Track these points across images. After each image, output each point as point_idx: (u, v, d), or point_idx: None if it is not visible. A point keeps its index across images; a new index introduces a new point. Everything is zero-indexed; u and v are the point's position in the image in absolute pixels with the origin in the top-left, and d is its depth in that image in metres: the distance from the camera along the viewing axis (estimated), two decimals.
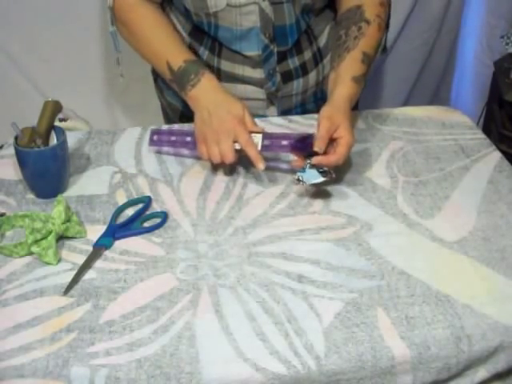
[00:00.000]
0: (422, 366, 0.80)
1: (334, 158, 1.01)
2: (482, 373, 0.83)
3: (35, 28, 1.84)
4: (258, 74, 1.21)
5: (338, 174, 1.09)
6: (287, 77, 1.23)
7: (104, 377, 0.76)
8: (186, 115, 1.30)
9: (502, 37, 1.84)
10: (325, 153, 1.01)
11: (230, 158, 1.04)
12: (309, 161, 1.01)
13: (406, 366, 0.80)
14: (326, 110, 1.05)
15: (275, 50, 1.19)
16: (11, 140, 1.04)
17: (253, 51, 1.18)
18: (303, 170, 1.01)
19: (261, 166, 1.03)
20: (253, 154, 1.04)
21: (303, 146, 1.03)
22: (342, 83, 1.09)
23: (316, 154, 1.01)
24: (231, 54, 1.20)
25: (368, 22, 1.14)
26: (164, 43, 1.16)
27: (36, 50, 1.88)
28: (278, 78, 1.22)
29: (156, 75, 1.36)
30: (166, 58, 1.14)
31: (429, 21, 2.01)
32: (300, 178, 1.01)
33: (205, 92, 1.11)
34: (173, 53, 1.15)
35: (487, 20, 1.99)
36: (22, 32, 1.85)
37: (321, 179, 1.01)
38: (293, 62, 1.23)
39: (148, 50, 1.19)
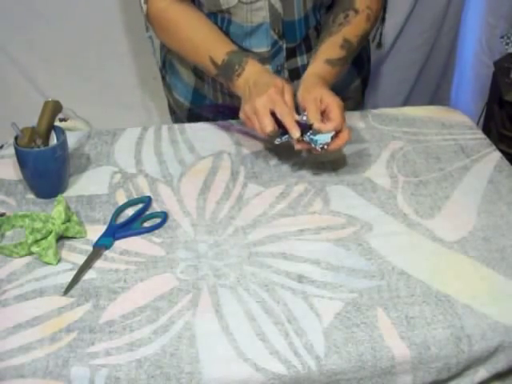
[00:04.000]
0: (422, 366, 0.80)
1: (332, 124, 1.01)
2: (482, 373, 0.83)
3: (35, 28, 1.85)
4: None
5: (338, 174, 1.09)
6: (295, 74, 1.23)
7: (104, 377, 0.76)
8: (194, 113, 1.31)
9: (502, 37, 1.84)
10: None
11: (267, 127, 1.02)
12: (310, 131, 1.02)
13: (405, 366, 0.80)
14: (300, 92, 1.06)
15: (284, 45, 1.19)
16: (11, 140, 1.04)
17: (262, 47, 1.19)
18: (313, 140, 1.02)
19: (296, 133, 1.01)
20: (288, 122, 1.02)
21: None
22: (314, 63, 1.11)
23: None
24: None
25: (356, 11, 1.15)
26: (204, 39, 1.16)
27: (36, 50, 1.88)
28: (286, 74, 1.22)
29: (165, 73, 1.36)
30: (209, 53, 1.13)
31: (429, 21, 2.01)
32: (321, 146, 1.01)
33: (249, 77, 1.10)
34: (214, 47, 1.14)
35: (487, 20, 1.98)
36: (22, 32, 1.85)
37: (333, 132, 1.01)
38: (301, 60, 1.23)
39: (189, 49, 1.18)
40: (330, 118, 1.02)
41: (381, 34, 1.29)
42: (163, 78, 1.38)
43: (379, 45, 1.31)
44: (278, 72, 1.21)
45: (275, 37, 1.17)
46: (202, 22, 1.17)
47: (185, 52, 1.20)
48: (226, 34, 1.19)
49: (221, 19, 1.17)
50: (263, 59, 1.20)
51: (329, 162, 1.11)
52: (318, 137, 1.02)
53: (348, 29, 1.14)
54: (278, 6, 1.14)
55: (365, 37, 1.18)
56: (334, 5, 1.21)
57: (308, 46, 1.23)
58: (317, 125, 1.02)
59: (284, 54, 1.20)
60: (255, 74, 1.09)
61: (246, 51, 1.19)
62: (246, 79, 1.10)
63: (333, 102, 1.03)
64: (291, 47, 1.20)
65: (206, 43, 1.15)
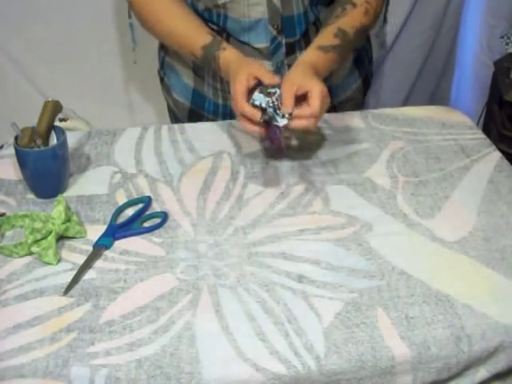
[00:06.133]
0: (421, 366, 0.80)
1: (309, 110, 0.98)
2: (482, 373, 0.83)
3: (35, 28, 1.84)
4: (266, 66, 1.21)
5: (338, 174, 1.09)
6: None
7: (104, 377, 0.76)
8: (196, 112, 1.31)
9: (502, 37, 1.84)
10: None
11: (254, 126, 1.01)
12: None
13: (405, 366, 0.80)
14: (285, 75, 1.04)
15: (283, 41, 1.19)
16: (11, 140, 1.04)
17: (261, 43, 1.19)
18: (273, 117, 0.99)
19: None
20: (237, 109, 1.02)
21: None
22: (307, 51, 1.10)
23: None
24: (240, 46, 1.20)
25: (354, 5, 1.15)
26: (181, 33, 1.16)
27: (36, 50, 1.88)
28: (286, 70, 1.22)
29: (163, 75, 1.36)
30: (190, 49, 1.15)
31: (428, 21, 2.01)
32: (281, 125, 0.99)
33: (225, 72, 1.11)
34: (192, 42, 1.14)
35: (487, 20, 1.98)
36: (22, 32, 1.85)
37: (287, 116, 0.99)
38: (301, 55, 1.23)
39: (172, 43, 1.21)
40: (309, 104, 0.99)
41: (384, 34, 1.28)
42: (161, 79, 1.38)
43: (382, 44, 1.31)
44: (278, 68, 1.21)
45: (274, 32, 1.17)
46: (180, 13, 1.17)
47: (169, 45, 1.22)
48: (223, 32, 1.20)
49: (216, 15, 1.17)
50: (263, 56, 1.20)
51: (329, 162, 1.11)
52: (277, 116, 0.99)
53: (344, 20, 1.13)
54: (277, 1, 1.14)
55: (362, 30, 1.17)
56: (334, 2, 1.21)
57: (307, 41, 1.22)
58: (285, 108, 0.99)
59: (284, 50, 1.20)
60: (227, 70, 1.09)
61: (246, 46, 1.19)
62: (225, 74, 1.11)
63: (314, 88, 0.99)
64: (290, 43, 1.20)
65: (184, 37, 1.16)
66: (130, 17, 1.24)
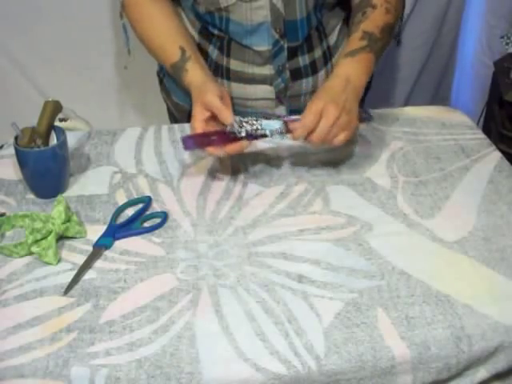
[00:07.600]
0: (422, 366, 0.80)
1: (301, 121, 1.00)
2: (482, 373, 0.83)
3: (35, 28, 1.85)
4: (267, 70, 1.21)
5: (338, 174, 1.09)
6: (296, 74, 1.23)
7: (104, 377, 0.76)
8: None
9: (502, 37, 1.84)
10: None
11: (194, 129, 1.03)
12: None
13: (406, 366, 0.80)
14: (315, 95, 1.05)
15: (285, 45, 1.19)
16: (11, 140, 1.04)
17: (263, 46, 1.19)
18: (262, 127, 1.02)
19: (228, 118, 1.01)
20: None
21: None
22: (337, 61, 1.10)
23: None
24: (241, 52, 1.20)
25: (374, 7, 1.15)
26: (157, 46, 1.17)
27: (36, 50, 1.89)
28: (288, 74, 1.22)
29: (162, 76, 1.36)
30: (163, 63, 1.16)
31: (429, 21, 2.01)
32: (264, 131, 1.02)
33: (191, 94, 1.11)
34: (164, 58, 1.16)
35: (487, 20, 1.99)
36: (22, 32, 1.85)
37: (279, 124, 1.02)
38: (303, 60, 1.23)
39: (151, 53, 1.21)
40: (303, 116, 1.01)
41: (399, 32, 1.28)
42: (161, 81, 1.38)
43: (398, 42, 1.31)
44: (279, 71, 1.21)
45: (276, 36, 1.17)
46: (161, 23, 1.18)
47: (150, 52, 1.22)
48: (224, 38, 1.20)
49: (219, 18, 1.17)
50: (265, 59, 1.20)
51: (329, 162, 1.11)
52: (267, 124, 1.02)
53: (366, 23, 1.13)
54: (280, 5, 1.14)
55: (387, 28, 1.15)
56: (353, 8, 1.20)
57: (310, 46, 1.22)
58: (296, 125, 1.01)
59: (285, 53, 1.20)
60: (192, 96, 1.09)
61: (247, 50, 1.19)
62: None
63: (313, 103, 1.01)
64: (293, 47, 1.20)
65: (157, 49, 1.17)
66: (121, 17, 1.24)
